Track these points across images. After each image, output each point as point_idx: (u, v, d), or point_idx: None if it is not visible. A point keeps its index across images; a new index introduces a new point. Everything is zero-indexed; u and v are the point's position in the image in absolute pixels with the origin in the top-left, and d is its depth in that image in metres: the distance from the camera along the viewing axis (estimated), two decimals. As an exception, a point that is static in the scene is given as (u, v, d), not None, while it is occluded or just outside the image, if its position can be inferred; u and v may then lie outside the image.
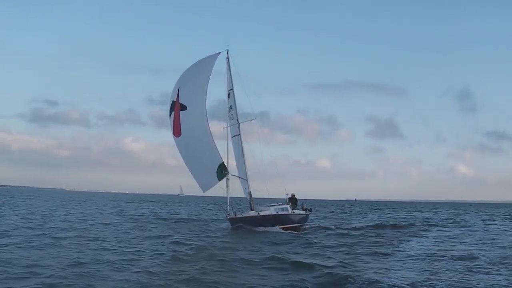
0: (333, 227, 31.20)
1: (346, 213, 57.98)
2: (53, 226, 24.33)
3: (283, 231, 26.74)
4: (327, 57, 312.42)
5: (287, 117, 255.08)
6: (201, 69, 27.84)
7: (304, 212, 30.67)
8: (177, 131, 27.58)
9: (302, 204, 31.28)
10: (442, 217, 49.03)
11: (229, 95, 29.69)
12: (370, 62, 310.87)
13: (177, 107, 27.52)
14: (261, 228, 26.57)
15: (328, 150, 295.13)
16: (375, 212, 62.43)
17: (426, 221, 41.04)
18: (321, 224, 31.54)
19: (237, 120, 29.50)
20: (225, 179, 27.47)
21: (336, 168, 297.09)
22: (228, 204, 27.57)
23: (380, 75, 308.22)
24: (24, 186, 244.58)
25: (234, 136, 29.70)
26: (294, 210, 29.41)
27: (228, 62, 29.23)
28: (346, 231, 28.13)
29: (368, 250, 18.71)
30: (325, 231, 27.83)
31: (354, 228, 30.56)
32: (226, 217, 27.53)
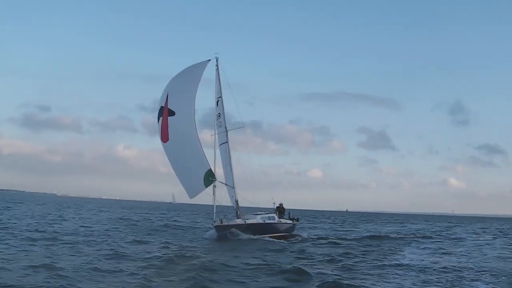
0: (324, 236, 30.92)
1: (336, 223, 57.61)
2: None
3: (270, 239, 26.54)
4: (321, 67, 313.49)
5: (280, 127, 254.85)
6: (190, 76, 27.59)
7: (291, 221, 30.40)
8: (164, 137, 27.22)
9: (289, 213, 31.01)
10: (434, 229, 48.87)
11: (217, 102, 29.51)
12: (364, 74, 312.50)
13: (165, 112, 27.18)
14: (247, 236, 26.32)
15: (320, 160, 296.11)
16: (366, 223, 62.07)
17: (419, 232, 40.94)
18: (308, 236, 31.15)
19: (225, 127, 29.26)
20: (212, 186, 27.13)
21: (328, 178, 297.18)
22: (215, 211, 27.21)
23: (374, 87, 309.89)
24: (14, 190, 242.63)
25: (222, 143, 29.48)
26: (281, 220, 29.11)
27: (217, 69, 29.12)
28: (337, 241, 27.90)
29: (360, 260, 18.59)
30: (315, 241, 27.58)
31: (344, 239, 30.25)
32: (212, 224, 27.12)
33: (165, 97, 27.43)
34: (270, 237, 27.00)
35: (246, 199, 28.70)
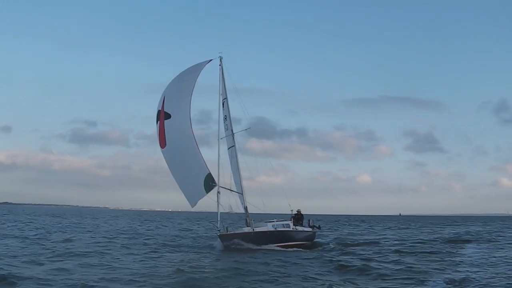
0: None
1: (401, 228, 54.05)
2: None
3: (281, 249, 24.15)
4: (363, 72, 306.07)
5: (325, 134, 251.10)
6: (187, 76, 25.75)
7: (310, 229, 27.83)
8: (162, 142, 25.42)
9: (309, 220, 28.47)
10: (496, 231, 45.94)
11: (223, 104, 27.47)
12: (406, 77, 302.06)
13: (161, 116, 25.40)
14: (258, 246, 24.02)
15: (368, 165, 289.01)
16: (423, 228, 57.66)
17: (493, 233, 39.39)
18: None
19: (232, 130, 27.15)
20: (215, 192, 25.09)
21: (377, 183, 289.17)
22: (218, 219, 25.08)
23: (417, 90, 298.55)
24: (68, 205, 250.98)
25: (229, 148, 27.42)
26: (298, 227, 26.58)
27: (221, 70, 27.15)
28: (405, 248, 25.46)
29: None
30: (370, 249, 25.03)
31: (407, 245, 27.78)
32: (216, 233, 24.98)
33: (162, 100, 25.67)
34: (284, 246, 24.65)
35: (254, 205, 26.44)
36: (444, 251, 23.96)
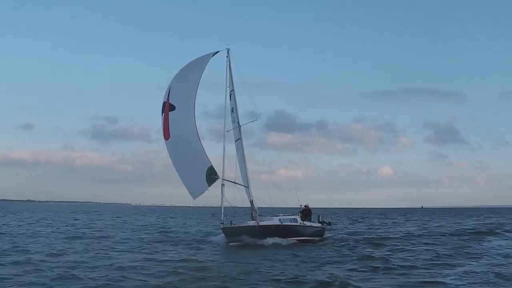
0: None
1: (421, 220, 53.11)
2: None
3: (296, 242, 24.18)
4: (380, 64, 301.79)
5: (345, 126, 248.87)
6: (193, 68, 25.39)
7: (320, 225, 27.22)
8: (166, 134, 25.18)
9: (319, 216, 27.89)
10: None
11: (230, 96, 27.03)
12: (425, 68, 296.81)
13: (166, 108, 25.13)
14: (265, 241, 23.54)
15: (389, 157, 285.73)
16: (446, 219, 56.62)
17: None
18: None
19: (238, 123, 26.69)
20: (220, 185, 24.71)
21: (398, 175, 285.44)
22: (222, 212, 24.70)
23: (436, 81, 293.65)
24: (91, 202, 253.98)
25: (236, 140, 27.01)
26: (305, 222, 25.98)
27: (228, 61, 26.75)
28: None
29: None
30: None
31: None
32: (220, 226, 24.58)
33: (168, 92, 25.39)
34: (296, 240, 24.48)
35: (262, 200, 25.94)
36: (469, 242, 24.22)
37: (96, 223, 43.39)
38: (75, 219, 50.67)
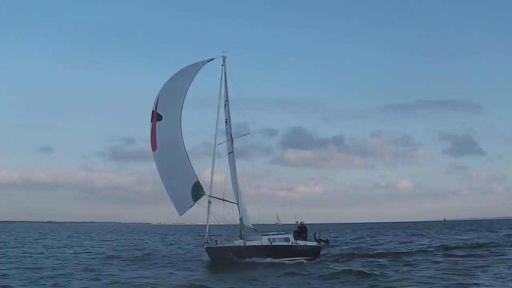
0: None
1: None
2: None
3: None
4: (394, 77, 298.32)
5: (362, 141, 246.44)
6: (183, 76, 24.26)
7: (315, 243, 25.42)
8: (153, 145, 23.96)
9: (315, 234, 26.05)
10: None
11: (225, 106, 25.74)
12: (438, 79, 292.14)
13: (154, 117, 23.97)
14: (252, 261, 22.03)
15: (407, 170, 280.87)
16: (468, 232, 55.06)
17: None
18: None
19: (231, 135, 25.33)
20: (207, 202, 23.28)
21: (418, 188, 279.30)
22: (207, 231, 23.16)
23: (451, 92, 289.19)
24: (111, 222, 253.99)
25: (229, 153, 25.64)
26: (299, 241, 24.23)
27: (223, 70, 25.48)
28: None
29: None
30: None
31: None
32: (203, 245, 23.05)
33: (156, 101, 24.23)
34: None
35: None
36: (490, 253, 24.55)
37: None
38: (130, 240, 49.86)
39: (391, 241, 39.64)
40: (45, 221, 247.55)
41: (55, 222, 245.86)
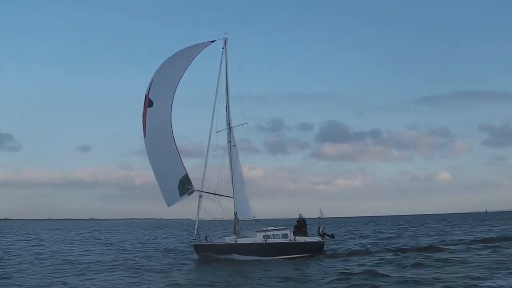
0: None
1: None
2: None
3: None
4: (431, 69, 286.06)
5: (399, 133, 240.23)
6: (179, 60, 22.58)
7: (318, 239, 23.38)
8: (144, 131, 22.38)
9: (319, 228, 23.93)
10: None
11: (225, 92, 23.92)
12: (475, 70, 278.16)
13: (146, 102, 22.43)
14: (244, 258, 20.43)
15: (446, 162, 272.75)
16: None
17: None
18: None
19: (229, 124, 23.48)
20: (198, 196, 21.65)
21: (457, 180, 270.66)
22: (196, 227, 21.49)
23: (487, 82, 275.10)
24: (151, 218, 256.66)
25: (228, 142, 23.83)
26: (297, 237, 22.19)
27: (224, 53, 23.62)
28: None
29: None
30: None
31: None
32: (190, 242, 21.38)
33: (149, 84, 22.64)
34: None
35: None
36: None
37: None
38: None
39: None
40: (86, 218, 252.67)
41: (97, 220, 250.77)
